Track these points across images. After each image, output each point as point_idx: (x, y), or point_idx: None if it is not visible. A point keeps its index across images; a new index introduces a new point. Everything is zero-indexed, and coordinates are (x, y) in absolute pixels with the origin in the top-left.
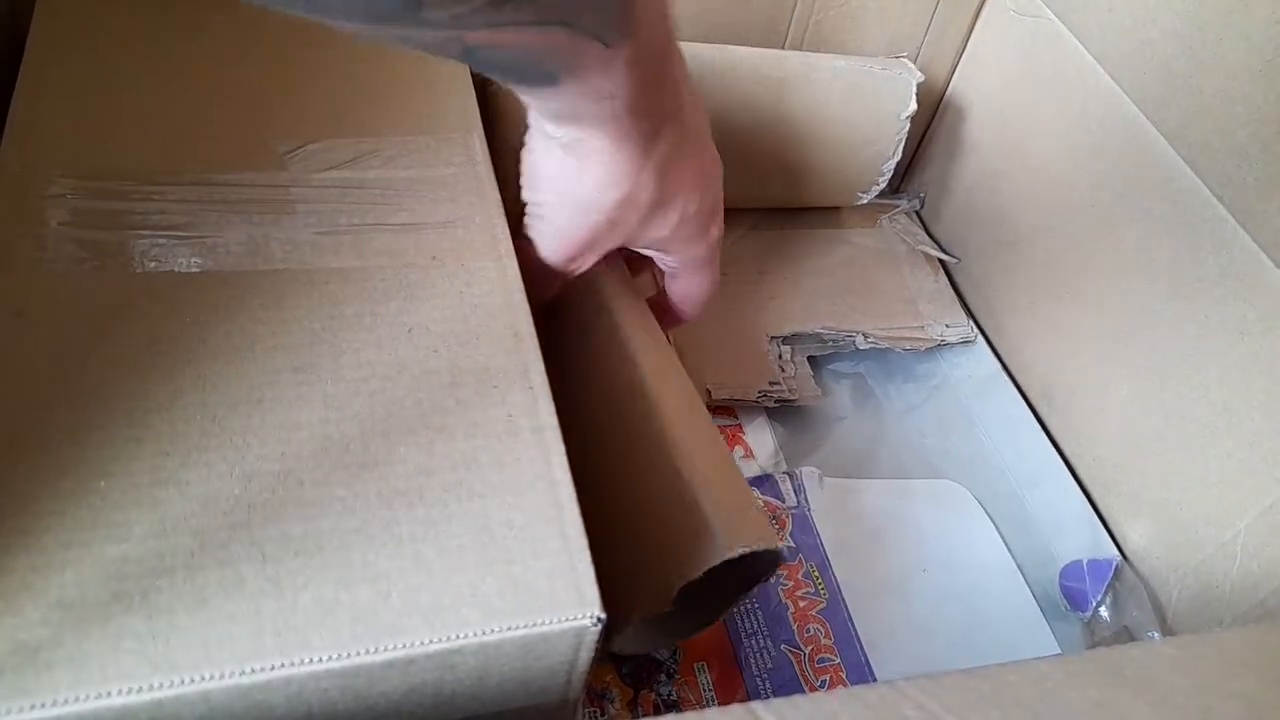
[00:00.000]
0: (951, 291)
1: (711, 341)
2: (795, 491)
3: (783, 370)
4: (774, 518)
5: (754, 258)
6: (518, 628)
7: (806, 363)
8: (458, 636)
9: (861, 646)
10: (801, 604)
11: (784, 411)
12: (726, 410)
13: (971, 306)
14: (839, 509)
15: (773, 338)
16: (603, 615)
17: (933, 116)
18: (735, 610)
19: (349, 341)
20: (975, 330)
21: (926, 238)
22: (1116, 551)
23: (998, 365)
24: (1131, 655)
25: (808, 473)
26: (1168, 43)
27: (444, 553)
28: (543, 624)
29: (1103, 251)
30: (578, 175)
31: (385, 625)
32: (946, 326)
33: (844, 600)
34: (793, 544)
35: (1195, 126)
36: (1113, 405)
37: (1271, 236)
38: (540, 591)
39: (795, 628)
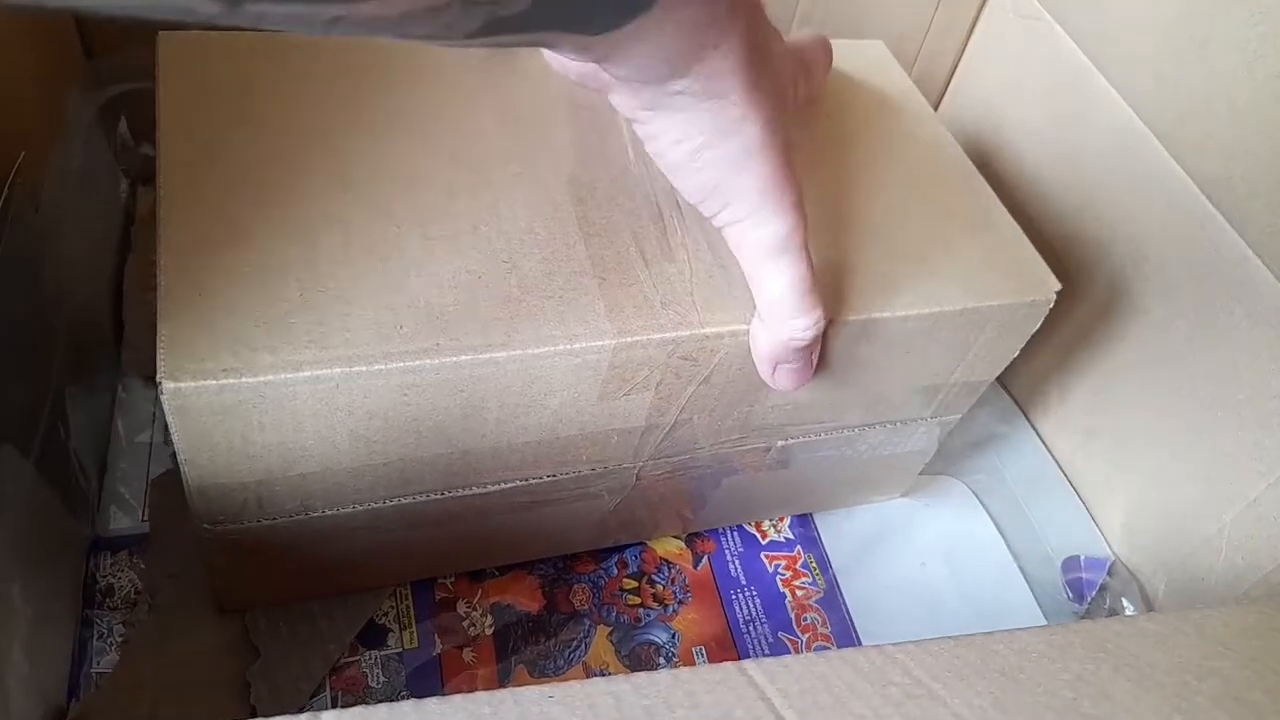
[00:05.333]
0: None
1: None
2: None
3: None
4: None
5: None
6: None
7: None
8: None
9: (858, 637)
10: (799, 593)
11: None
12: None
13: None
14: None
15: None
16: None
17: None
18: (734, 597)
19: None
20: None
21: None
22: (1108, 548)
23: None
24: (1114, 629)
25: None
26: (1157, 45)
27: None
28: None
29: (1097, 250)
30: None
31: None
32: None
33: (841, 591)
34: (791, 536)
35: (1184, 127)
36: (1104, 401)
37: (1258, 235)
38: None
39: (793, 616)
